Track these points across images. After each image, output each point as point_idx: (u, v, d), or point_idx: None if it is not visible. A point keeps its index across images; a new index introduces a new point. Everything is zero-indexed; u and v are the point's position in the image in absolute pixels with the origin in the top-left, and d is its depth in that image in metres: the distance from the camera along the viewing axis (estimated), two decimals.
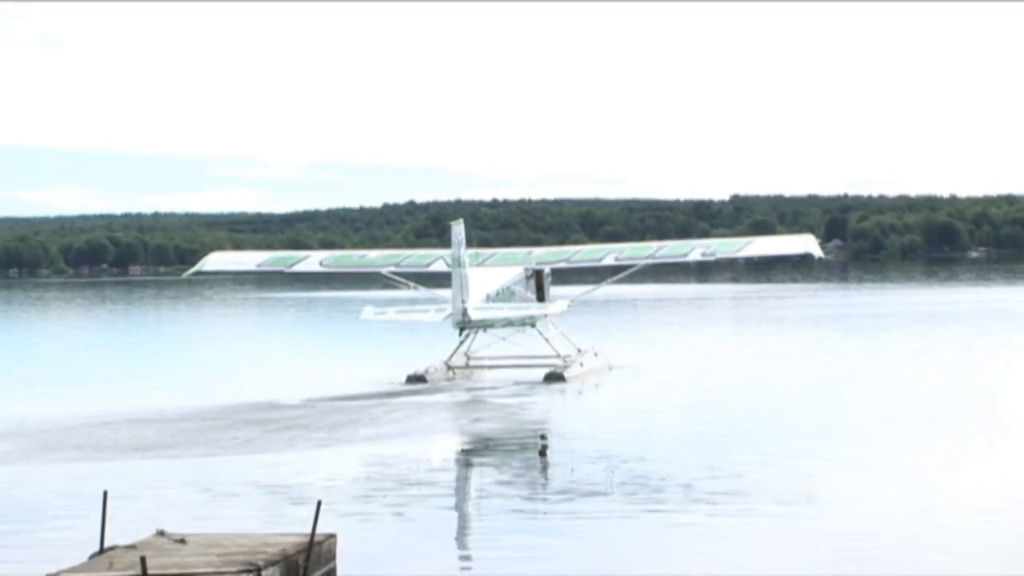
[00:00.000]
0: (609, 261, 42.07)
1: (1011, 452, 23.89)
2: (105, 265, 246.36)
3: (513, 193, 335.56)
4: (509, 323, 39.49)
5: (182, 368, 43.78)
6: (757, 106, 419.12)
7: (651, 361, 42.37)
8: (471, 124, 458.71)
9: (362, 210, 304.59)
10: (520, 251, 46.28)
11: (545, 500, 20.43)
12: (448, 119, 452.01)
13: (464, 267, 36.73)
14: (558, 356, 38.79)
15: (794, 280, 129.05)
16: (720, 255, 44.39)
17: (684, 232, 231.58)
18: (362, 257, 46.80)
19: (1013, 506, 18.85)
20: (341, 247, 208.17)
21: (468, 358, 40.25)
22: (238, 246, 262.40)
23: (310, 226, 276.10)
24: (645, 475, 21.91)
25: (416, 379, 37.04)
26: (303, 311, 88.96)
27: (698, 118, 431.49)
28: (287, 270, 43.89)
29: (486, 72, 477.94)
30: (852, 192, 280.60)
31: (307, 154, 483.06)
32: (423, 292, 43.15)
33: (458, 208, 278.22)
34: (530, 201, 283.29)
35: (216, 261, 47.12)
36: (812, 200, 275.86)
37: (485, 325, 38.40)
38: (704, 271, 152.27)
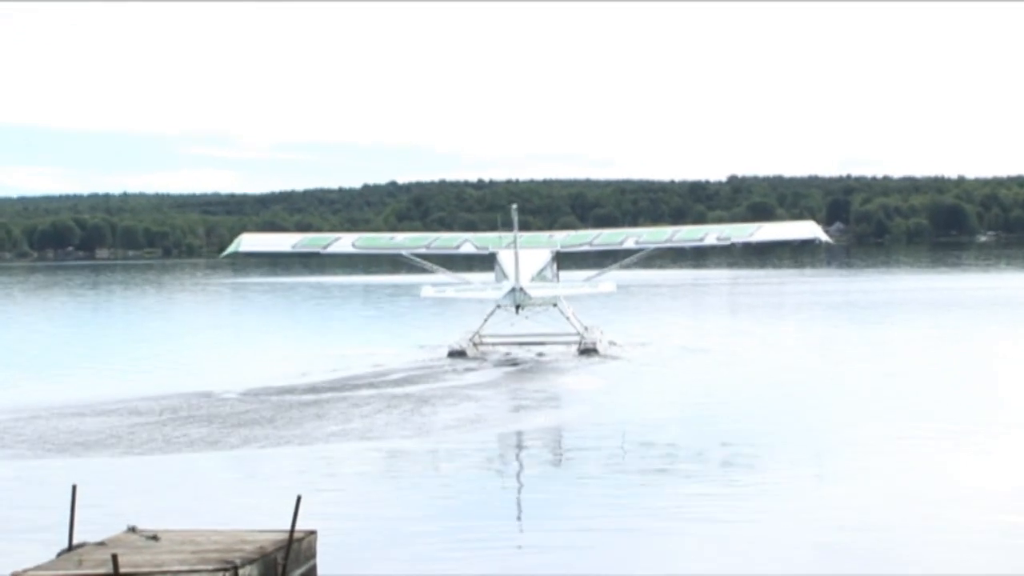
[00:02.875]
0: (629, 244, 46.46)
1: (1018, 444, 24.09)
2: (71, 248, 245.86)
3: (500, 174, 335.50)
4: (544, 301, 43.23)
5: (137, 357, 43.80)
6: (755, 83, 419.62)
7: (660, 350, 43.25)
8: (456, 101, 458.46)
9: (341, 191, 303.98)
10: (543, 235, 50.17)
11: (527, 495, 20.53)
12: (431, 96, 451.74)
13: (518, 249, 41.51)
14: (577, 333, 42.59)
15: (796, 265, 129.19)
16: (734, 239, 48.11)
17: (679, 215, 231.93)
18: (391, 239, 50.98)
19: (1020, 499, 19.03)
20: (319, 230, 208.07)
21: (480, 337, 43.30)
22: (211, 228, 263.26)
23: (286, 207, 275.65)
24: (656, 465, 22.31)
25: (457, 354, 40.89)
26: (280, 298, 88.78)
27: (693, 96, 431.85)
28: (322, 251, 48.12)
29: (472, 47, 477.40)
30: (855, 173, 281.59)
31: (283, 132, 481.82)
32: (449, 276, 46.34)
33: (442, 189, 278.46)
34: (518, 182, 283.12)
35: (250, 242, 50.07)
36: (813, 181, 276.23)
37: (537, 303, 42.52)
38: (700, 256, 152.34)
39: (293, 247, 49.32)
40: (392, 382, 34.56)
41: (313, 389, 33.04)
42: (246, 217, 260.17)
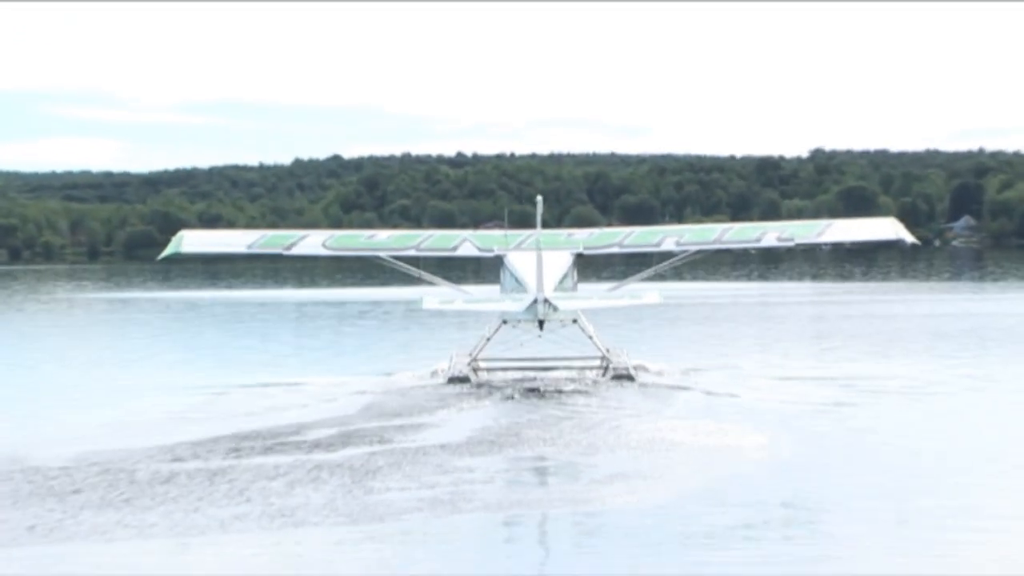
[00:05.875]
0: (668, 246, 50.22)
1: None
2: None
3: (488, 146, 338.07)
4: (572, 316, 46.54)
5: None
6: (848, 26, 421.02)
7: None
8: (424, 48, 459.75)
9: (262, 169, 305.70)
10: (560, 233, 54.48)
11: None
12: (389, 42, 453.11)
13: (541, 251, 44.81)
14: (601, 356, 46.74)
15: (901, 277, 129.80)
16: (799, 240, 51.92)
17: (742, 205, 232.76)
18: (371, 238, 54.47)
19: None
20: (230, 222, 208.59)
21: (476, 361, 47.14)
22: (77, 221, 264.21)
23: (186, 192, 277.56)
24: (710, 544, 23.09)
25: (459, 380, 44.94)
26: (175, 318, 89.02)
27: (760, 42, 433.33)
28: (285, 252, 51.73)
29: None
30: (989, 147, 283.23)
31: (183, 89, 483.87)
32: (446, 287, 50.37)
33: (405, 167, 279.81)
34: (513, 157, 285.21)
35: (195, 241, 53.50)
36: (930, 158, 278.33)
37: (564, 318, 46.06)
38: (771, 262, 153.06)
39: (249, 247, 52.61)
40: (323, 441, 34.17)
41: (203, 450, 32.74)
42: (128, 205, 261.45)
